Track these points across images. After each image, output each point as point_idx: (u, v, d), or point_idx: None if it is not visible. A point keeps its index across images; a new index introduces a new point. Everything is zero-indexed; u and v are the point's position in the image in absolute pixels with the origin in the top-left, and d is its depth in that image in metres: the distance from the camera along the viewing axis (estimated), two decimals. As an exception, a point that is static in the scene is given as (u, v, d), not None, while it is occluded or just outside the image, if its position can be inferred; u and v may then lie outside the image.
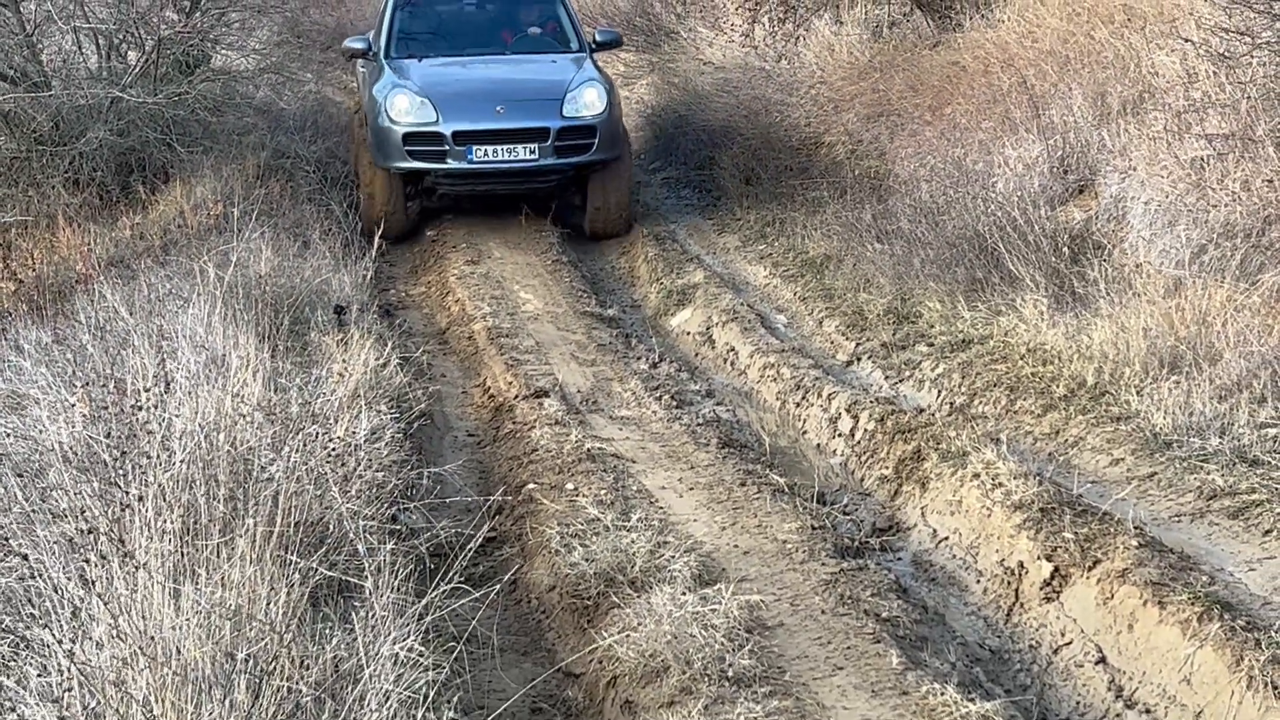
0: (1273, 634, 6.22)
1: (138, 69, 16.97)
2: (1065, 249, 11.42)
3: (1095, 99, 12.93)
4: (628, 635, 6.51)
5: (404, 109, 15.61)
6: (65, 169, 16.40)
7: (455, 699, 5.38)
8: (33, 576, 5.49)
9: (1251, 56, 11.14)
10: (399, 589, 5.65)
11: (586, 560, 7.37)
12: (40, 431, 7.41)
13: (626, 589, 7.00)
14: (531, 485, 8.78)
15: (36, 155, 16.43)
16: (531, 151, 15.52)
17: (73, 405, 7.61)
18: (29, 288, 13.53)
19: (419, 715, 4.87)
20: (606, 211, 16.30)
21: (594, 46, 17.25)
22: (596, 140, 15.77)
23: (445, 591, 5.73)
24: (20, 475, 6.84)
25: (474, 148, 15.45)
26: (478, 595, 6.11)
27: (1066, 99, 13.18)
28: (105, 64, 17.24)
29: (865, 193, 14.54)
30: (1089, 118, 12.81)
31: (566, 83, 16.07)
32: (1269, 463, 8.07)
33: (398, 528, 7.57)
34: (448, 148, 15.53)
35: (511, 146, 15.51)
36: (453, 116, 15.59)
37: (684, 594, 6.72)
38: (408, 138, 15.55)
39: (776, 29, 18.68)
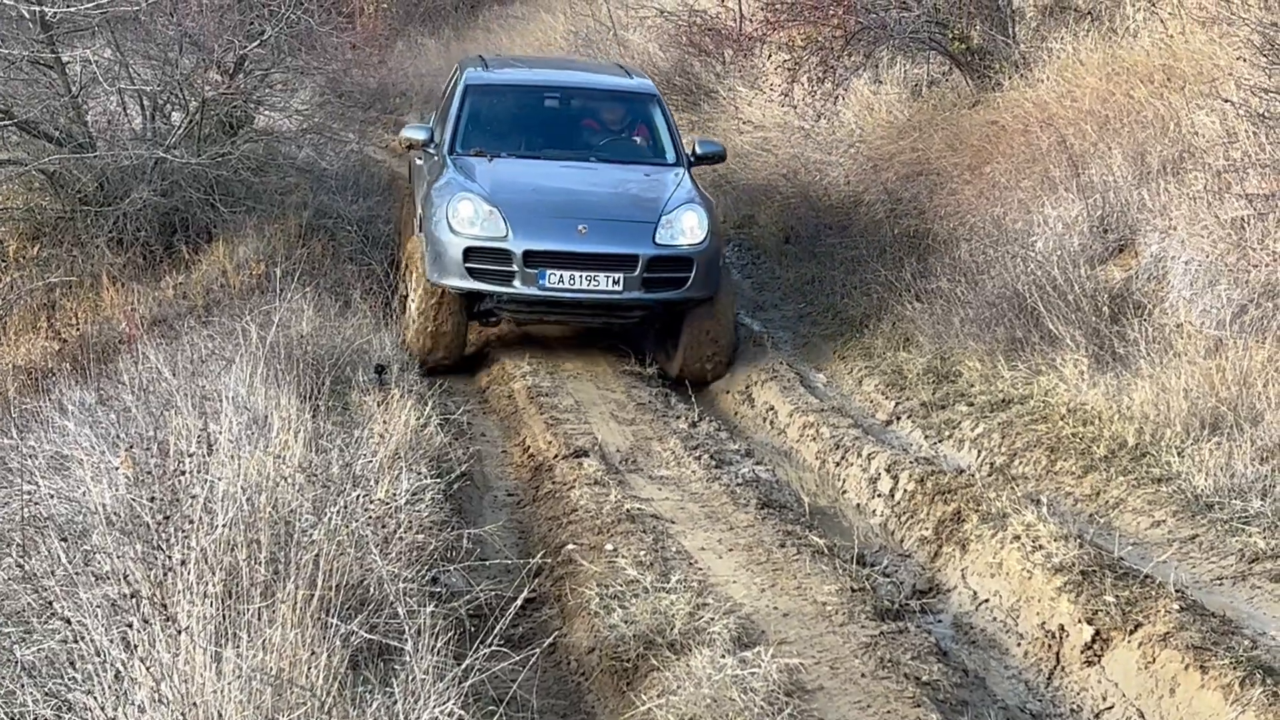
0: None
1: (181, 130, 17.04)
2: (1105, 308, 11.39)
3: (1135, 158, 12.91)
4: (667, 699, 6.48)
5: (468, 218, 13.20)
6: (109, 229, 16.49)
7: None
8: (76, 640, 5.50)
9: (1291, 117, 11.12)
10: (439, 652, 5.64)
11: (626, 622, 7.35)
12: (84, 493, 7.42)
13: (666, 651, 6.98)
14: (571, 546, 8.77)
15: (81, 215, 16.54)
16: (615, 282, 13.03)
17: (116, 467, 7.63)
18: (73, 347, 13.62)
19: (458, 780, 4.87)
20: (700, 355, 13.60)
21: (693, 159, 14.88)
22: (692, 275, 13.23)
23: (485, 654, 5.72)
24: (64, 538, 6.85)
25: (548, 271, 12.97)
26: (517, 658, 6.10)
27: (1106, 158, 13.16)
28: (149, 125, 17.30)
29: (904, 251, 14.54)
30: (1129, 177, 12.78)
31: (662, 203, 13.67)
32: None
33: (438, 590, 7.56)
34: (516, 269, 13.01)
35: (592, 274, 13.03)
36: (526, 233, 13.10)
37: (723, 657, 6.70)
38: (470, 253, 13.13)
39: (815, 88, 18.65)
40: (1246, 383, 9.63)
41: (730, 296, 14.03)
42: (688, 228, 13.35)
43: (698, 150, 14.92)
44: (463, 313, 13.72)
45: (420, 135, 15.01)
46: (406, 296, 14.03)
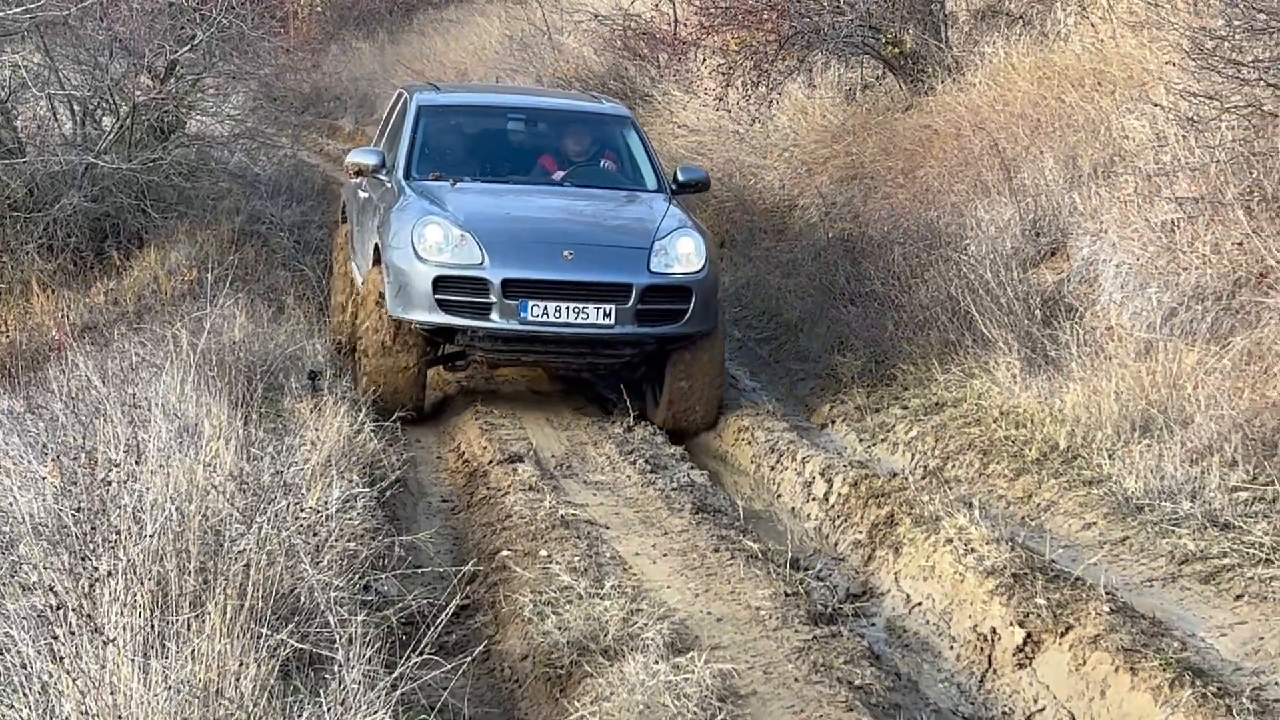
0: (1244, 700, 6.22)
1: (112, 135, 16.98)
2: (1037, 311, 11.46)
3: (1066, 162, 13.00)
4: (600, 705, 6.48)
5: (436, 244, 11.66)
6: (39, 235, 16.42)
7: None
8: (1, 652, 5.46)
9: (1220, 120, 11.20)
10: (370, 660, 5.63)
11: (559, 628, 7.34)
12: (10, 503, 7.37)
13: (599, 657, 6.97)
14: (505, 552, 8.75)
15: (10, 221, 16.45)
16: (606, 314, 11.53)
17: (44, 477, 7.58)
18: (1, 354, 13.50)
19: (389, 790, 4.86)
20: (689, 403, 12.13)
21: (675, 187, 13.37)
22: (690, 307, 11.78)
23: (417, 663, 5.70)
24: (-9, 548, 6.81)
25: (530, 303, 11.49)
26: (450, 666, 6.09)
27: (1038, 162, 13.24)
28: (80, 130, 17.25)
29: (839, 255, 14.59)
30: (1060, 180, 12.87)
31: (654, 228, 12.19)
32: (1240, 527, 8.10)
33: (370, 598, 7.53)
34: (494, 300, 11.52)
35: (581, 306, 11.54)
36: (504, 259, 11.62)
37: (657, 662, 6.69)
38: (441, 283, 11.57)
39: (750, 92, 18.68)
40: (1176, 385, 9.70)
41: (721, 339, 12.51)
42: (684, 254, 11.96)
43: (679, 177, 13.45)
44: (424, 354, 12.15)
45: (370, 160, 13.25)
46: (356, 334, 12.49)
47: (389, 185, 12.86)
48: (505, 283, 11.51)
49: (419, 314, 11.69)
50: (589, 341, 11.82)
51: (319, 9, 33.16)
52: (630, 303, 11.58)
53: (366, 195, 13.58)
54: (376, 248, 12.45)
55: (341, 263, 14.39)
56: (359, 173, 13.56)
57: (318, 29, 32.28)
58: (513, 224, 12.16)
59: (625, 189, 13.44)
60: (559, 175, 13.36)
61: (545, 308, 11.50)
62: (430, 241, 11.66)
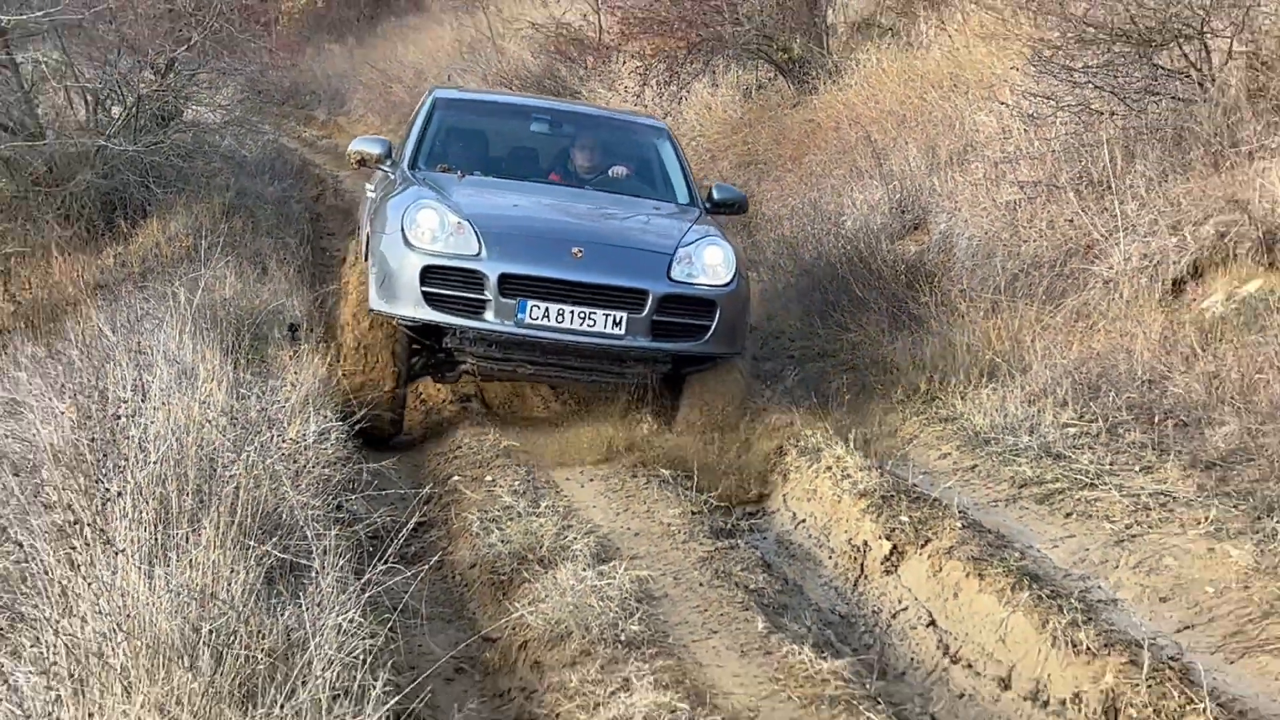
0: (1072, 600, 6.27)
1: (120, 121, 16.78)
2: (902, 276, 11.51)
3: (927, 151, 13.05)
4: (537, 605, 6.47)
5: (430, 231, 8.99)
6: (58, 207, 16.20)
7: (389, 662, 5.32)
8: (27, 560, 5.39)
9: (1055, 117, 11.28)
10: (342, 569, 5.58)
11: (502, 542, 7.32)
12: (34, 434, 7.28)
13: (536, 566, 6.94)
14: (456, 477, 8.71)
15: (33, 195, 16.23)
16: (616, 323, 8.83)
17: (62, 412, 7.48)
18: (26, 309, 13.37)
19: (358, 677, 4.81)
20: (705, 428, 9.28)
21: (709, 206, 10.48)
22: (714, 323, 9.08)
23: (382, 570, 5.67)
24: (17, 473, 6.72)
25: (529, 303, 8.78)
26: (410, 573, 6.05)
27: (903, 151, 13.29)
28: (92, 117, 17.04)
29: (736, 230, 14.55)
30: (922, 167, 12.92)
31: (680, 234, 9.45)
32: (1069, 457, 8.16)
33: (341, 515, 7.49)
34: (489, 297, 8.81)
35: (589, 311, 8.81)
36: (504, 252, 8.90)
37: (584, 570, 6.68)
38: (430, 274, 8.91)
39: (663, 91, 18.67)
40: (1017, 339, 9.76)
41: (748, 360, 10.00)
42: (711, 264, 9.21)
43: (714, 195, 10.56)
44: (407, 357, 9.58)
45: (374, 149, 10.42)
46: (340, 335, 10.04)
47: (393, 177, 10.24)
48: (503, 278, 8.80)
49: (403, 308, 9.02)
50: (593, 354, 9.05)
51: (297, 16, 32.76)
52: (645, 312, 8.88)
53: (371, 197, 10.84)
54: (368, 239, 9.99)
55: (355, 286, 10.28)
56: (361, 162, 10.54)
57: (296, 33, 31.93)
58: (518, 215, 9.46)
59: (654, 199, 10.46)
60: (581, 180, 10.60)
61: (547, 310, 8.78)
62: (423, 227, 9.00)
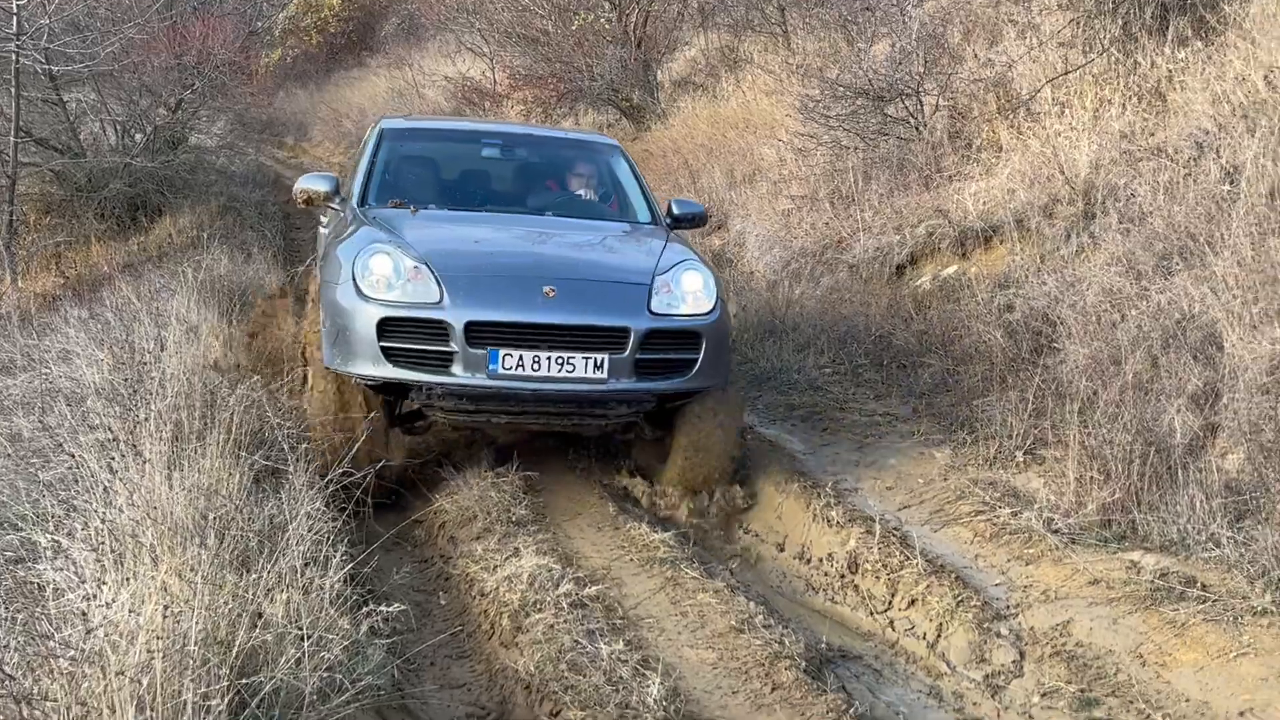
0: (827, 490, 6.36)
1: (141, 145, 16.32)
2: (711, 262, 11.52)
3: (727, 173, 13.08)
4: (451, 498, 6.42)
5: (384, 279, 6.00)
6: (95, 208, 15.75)
7: (347, 539, 5.27)
8: (78, 467, 5.24)
9: (816, 150, 11.38)
10: (310, 473, 5.50)
11: (427, 452, 7.23)
12: (81, 375, 7.07)
13: (452, 469, 6.89)
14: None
15: (76, 198, 15.79)
16: (597, 366, 5.91)
17: (101, 359, 7.27)
18: (73, 282, 13.00)
19: (323, 550, 4.76)
20: (704, 465, 6.52)
21: (670, 221, 7.48)
22: (700, 356, 6.19)
23: (339, 474, 5.58)
24: (69, 403, 6.52)
25: (501, 352, 5.84)
26: (358, 475, 5.95)
27: (710, 173, 13.31)
28: (120, 142, 16.52)
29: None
30: (723, 184, 12.95)
31: (655, 261, 6.45)
32: (825, 389, 8.25)
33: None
34: (455, 349, 5.86)
35: (566, 355, 5.88)
36: (468, 297, 5.92)
37: (486, 471, 6.64)
38: (387, 327, 5.93)
39: (540, 122, 18.51)
40: (789, 306, 9.85)
41: (738, 391, 7.01)
42: (690, 292, 6.29)
43: (674, 210, 7.54)
44: (378, 413, 6.29)
45: (321, 186, 7.18)
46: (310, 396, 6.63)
47: (344, 216, 7.11)
48: (469, 327, 5.84)
49: (361, 366, 6.02)
50: (574, 400, 6.07)
51: (271, 69, 31.84)
52: (627, 352, 5.97)
53: (323, 233, 7.81)
54: (320, 289, 6.79)
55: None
56: (308, 201, 7.22)
57: (271, 81, 31.01)
58: (480, 253, 6.33)
59: (616, 220, 7.43)
60: (539, 205, 7.51)
61: (521, 359, 5.85)
62: (376, 275, 6.01)
